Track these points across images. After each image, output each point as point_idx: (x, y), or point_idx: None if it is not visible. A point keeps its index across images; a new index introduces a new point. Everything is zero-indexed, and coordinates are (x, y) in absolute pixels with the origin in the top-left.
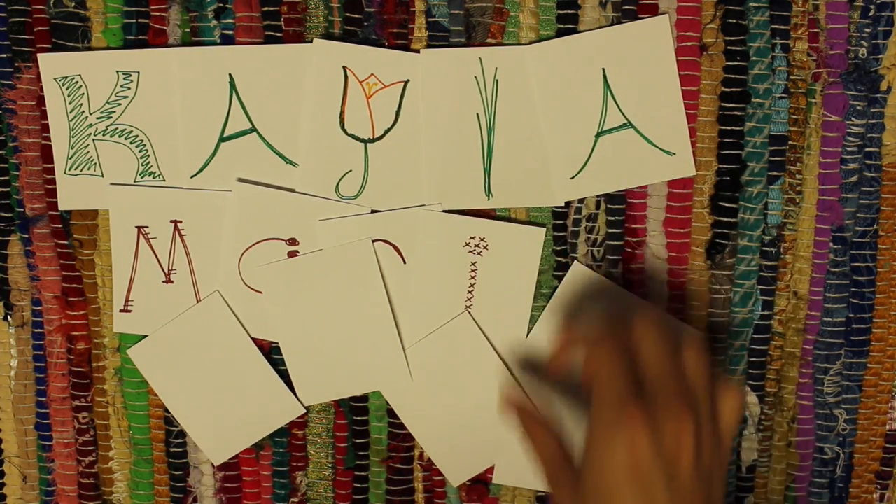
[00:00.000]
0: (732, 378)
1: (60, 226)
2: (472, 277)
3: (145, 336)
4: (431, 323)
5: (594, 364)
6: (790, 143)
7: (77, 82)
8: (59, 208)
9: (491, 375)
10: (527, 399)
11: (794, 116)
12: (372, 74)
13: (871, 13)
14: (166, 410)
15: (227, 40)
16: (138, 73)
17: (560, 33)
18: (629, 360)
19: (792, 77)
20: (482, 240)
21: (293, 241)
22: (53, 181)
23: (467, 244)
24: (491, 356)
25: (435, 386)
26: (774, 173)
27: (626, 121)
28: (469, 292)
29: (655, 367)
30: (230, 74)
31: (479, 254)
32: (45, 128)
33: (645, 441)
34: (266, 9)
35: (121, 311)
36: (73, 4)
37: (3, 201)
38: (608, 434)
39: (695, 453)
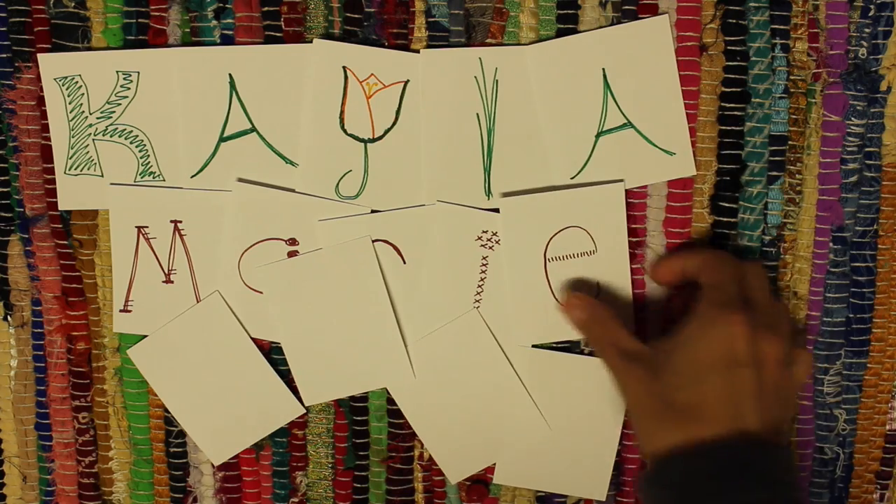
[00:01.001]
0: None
1: (60, 226)
2: (483, 272)
3: (145, 336)
4: (440, 318)
5: (714, 267)
6: (790, 143)
7: (77, 82)
8: (59, 208)
9: (496, 373)
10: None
11: (794, 116)
12: (372, 74)
13: (871, 13)
14: (166, 410)
15: (227, 40)
16: (138, 73)
17: (560, 33)
18: (742, 279)
19: (792, 77)
20: (494, 234)
21: (293, 242)
22: (53, 181)
23: (479, 238)
24: (497, 354)
25: (438, 383)
26: (774, 173)
27: (626, 121)
28: (479, 286)
29: (762, 296)
30: (230, 74)
31: (490, 248)
32: (45, 128)
33: (743, 336)
34: (266, 9)
35: (121, 311)
36: (73, 4)
37: (3, 201)
38: (711, 323)
39: (777, 371)
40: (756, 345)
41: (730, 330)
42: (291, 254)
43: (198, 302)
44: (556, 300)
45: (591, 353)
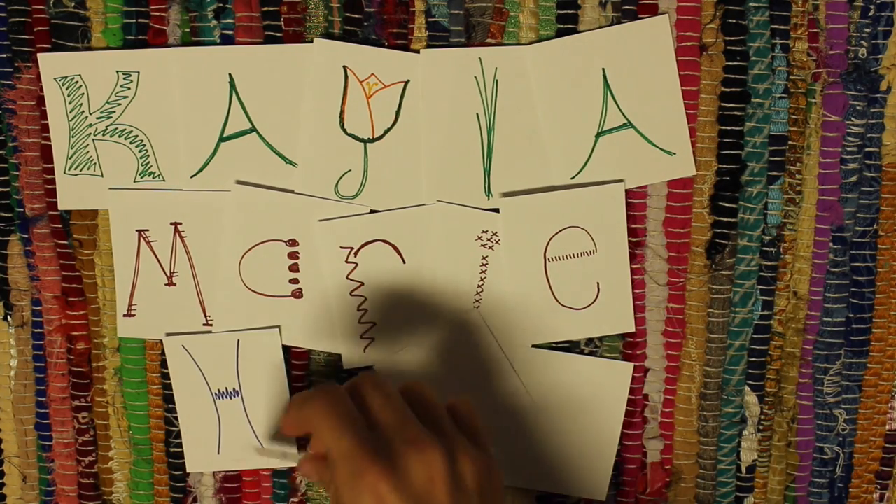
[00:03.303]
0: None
1: (60, 226)
2: (483, 272)
3: (146, 339)
4: (439, 318)
5: (314, 420)
6: (790, 143)
7: (77, 82)
8: (59, 208)
9: (496, 373)
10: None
11: (793, 116)
12: (372, 74)
13: (871, 13)
14: (166, 410)
15: (227, 40)
16: (138, 73)
17: (560, 33)
18: (351, 407)
19: (792, 77)
20: (494, 234)
21: (293, 243)
22: (53, 181)
23: (479, 238)
24: (498, 354)
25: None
26: (774, 173)
27: (626, 121)
28: (479, 286)
29: (383, 410)
30: (230, 74)
31: (490, 248)
32: (45, 128)
33: (389, 491)
34: (266, 9)
35: (124, 315)
36: (73, 4)
37: (3, 201)
38: (352, 490)
39: (451, 481)
40: (411, 486)
41: (374, 497)
42: (292, 255)
43: (201, 303)
44: (556, 300)
45: (591, 353)
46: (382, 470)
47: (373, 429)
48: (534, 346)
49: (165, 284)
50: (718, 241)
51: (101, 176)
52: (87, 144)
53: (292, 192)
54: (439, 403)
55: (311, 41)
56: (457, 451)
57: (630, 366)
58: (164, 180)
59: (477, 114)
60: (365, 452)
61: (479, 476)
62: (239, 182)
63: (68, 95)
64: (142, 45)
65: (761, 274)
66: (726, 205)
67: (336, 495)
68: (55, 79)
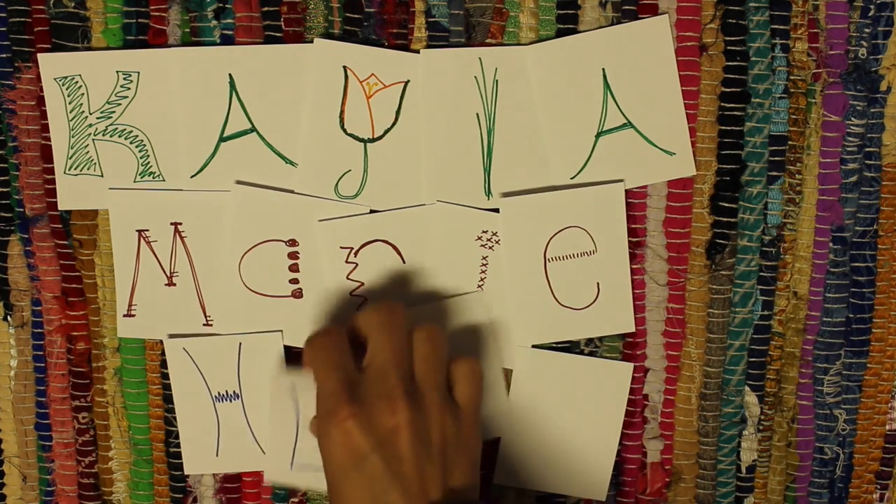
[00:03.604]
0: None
1: (60, 226)
2: (483, 272)
3: (146, 339)
4: (439, 317)
5: (311, 355)
6: (790, 143)
7: (77, 82)
8: (59, 208)
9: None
10: None
11: (793, 116)
12: (372, 74)
13: (871, 13)
14: (166, 410)
15: (227, 40)
16: (138, 73)
17: (560, 33)
18: (343, 349)
19: (792, 77)
20: (494, 234)
21: (293, 242)
22: (53, 181)
23: (479, 238)
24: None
25: None
26: (774, 173)
27: (626, 121)
28: (479, 286)
29: (374, 352)
30: (230, 74)
31: (490, 248)
32: (45, 128)
33: (355, 427)
34: (266, 9)
35: (124, 315)
36: (73, 4)
37: (3, 201)
38: (325, 426)
39: (414, 437)
40: (376, 431)
41: (341, 429)
42: (292, 255)
43: (201, 303)
44: (556, 300)
45: (591, 353)
46: (353, 411)
47: (363, 370)
48: (534, 346)
49: (165, 284)
50: (718, 241)
51: (101, 176)
52: (87, 144)
53: (292, 192)
54: (441, 356)
55: (311, 41)
56: (429, 409)
57: (630, 366)
58: (164, 180)
59: (477, 114)
60: (342, 393)
61: (445, 433)
62: (239, 182)
63: (68, 95)
64: (142, 45)
65: (761, 274)
66: (726, 205)
67: (317, 432)
68: (55, 79)
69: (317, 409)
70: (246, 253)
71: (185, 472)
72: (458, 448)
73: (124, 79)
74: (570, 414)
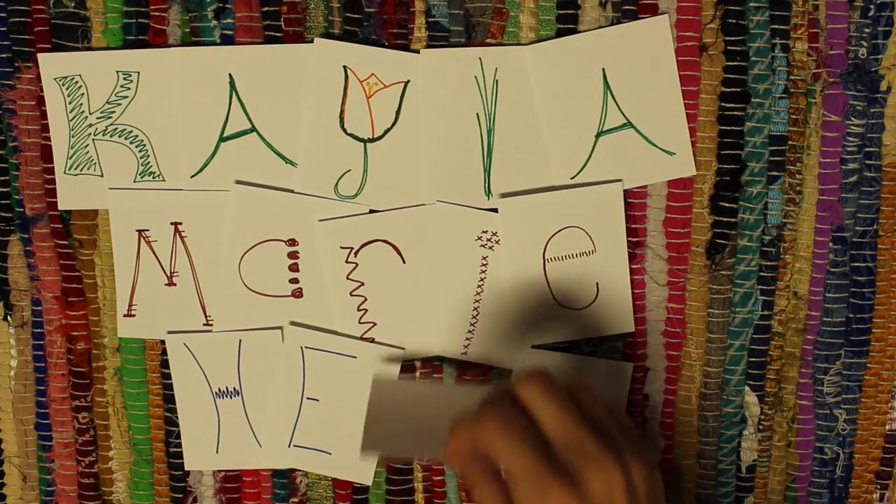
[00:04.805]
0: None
1: (60, 226)
2: (483, 272)
3: (146, 339)
4: (438, 318)
5: (489, 440)
6: (790, 143)
7: (77, 82)
8: (59, 208)
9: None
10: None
11: (793, 116)
12: (372, 74)
13: (871, 13)
14: (166, 410)
15: (227, 40)
16: (138, 73)
17: (560, 33)
18: (526, 423)
19: (792, 77)
20: (494, 234)
21: (293, 242)
22: (53, 181)
23: (479, 238)
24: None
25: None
26: (774, 173)
27: (626, 121)
28: (479, 286)
29: (557, 424)
30: (230, 74)
31: (490, 248)
32: (45, 128)
33: (574, 500)
34: (266, 9)
35: (125, 315)
36: (73, 4)
37: (3, 201)
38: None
39: (628, 493)
40: (591, 494)
41: None
42: (292, 255)
43: (201, 303)
44: (556, 300)
45: (591, 353)
46: (566, 488)
47: (546, 442)
48: (533, 346)
49: (165, 284)
50: (718, 241)
51: (101, 176)
52: (87, 144)
53: (292, 191)
54: (603, 406)
55: (311, 41)
56: (629, 462)
57: (630, 366)
58: (164, 180)
59: (477, 114)
60: (547, 470)
61: (648, 484)
62: (239, 182)
63: (68, 95)
64: (142, 45)
65: (761, 274)
66: (726, 205)
67: None
68: (55, 79)
69: (516, 489)
70: (246, 253)
71: (186, 469)
72: (655, 492)
73: (124, 79)
74: None
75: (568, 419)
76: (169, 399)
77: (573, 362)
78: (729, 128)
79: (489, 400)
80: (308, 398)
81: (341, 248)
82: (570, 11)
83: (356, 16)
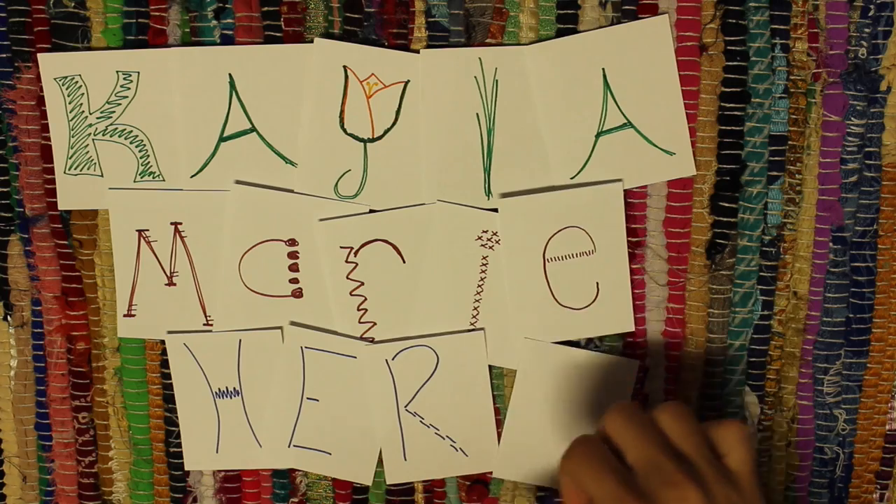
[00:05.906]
0: (725, 417)
1: (60, 226)
2: (483, 272)
3: (146, 339)
4: (438, 318)
5: (575, 465)
6: (790, 143)
7: (77, 82)
8: (59, 208)
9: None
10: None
11: (793, 116)
12: (372, 74)
13: (871, 13)
14: (166, 410)
15: (227, 40)
16: (138, 73)
17: (560, 33)
18: (608, 452)
19: (792, 77)
20: (494, 234)
21: (293, 242)
22: (53, 181)
23: (479, 238)
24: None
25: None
26: (774, 173)
27: (626, 121)
28: (479, 286)
29: (636, 450)
30: (230, 74)
31: (490, 248)
32: (45, 128)
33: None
34: (266, 9)
35: (124, 315)
36: (73, 4)
37: (3, 201)
38: None
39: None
40: None
41: None
42: (292, 255)
43: (201, 303)
44: (556, 300)
45: (594, 348)
46: (694, 486)
47: (630, 468)
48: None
49: (165, 284)
50: (718, 241)
51: (101, 176)
52: (87, 144)
53: (292, 191)
54: (698, 429)
55: (311, 41)
56: (713, 489)
57: (636, 363)
58: (164, 180)
59: (477, 114)
60: (626, 494)
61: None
62: (239, 182)
63: (68, 95)
64: (142, 45)
65: (761, 274)
66: (726, 205)
67: None
68: (55, 79)
69: (641, 479)
70: (246, 253)
71: (186, 469)
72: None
73: (124, 79)
74: (573, 410)
75: (648, 445)
76: (169, 399)
77: (575, 356)
78: (729, 128)
79: (578, 438)
80: (308, 398)
81: (341, 247)
82: (570, 11)
83: (356, 16)
